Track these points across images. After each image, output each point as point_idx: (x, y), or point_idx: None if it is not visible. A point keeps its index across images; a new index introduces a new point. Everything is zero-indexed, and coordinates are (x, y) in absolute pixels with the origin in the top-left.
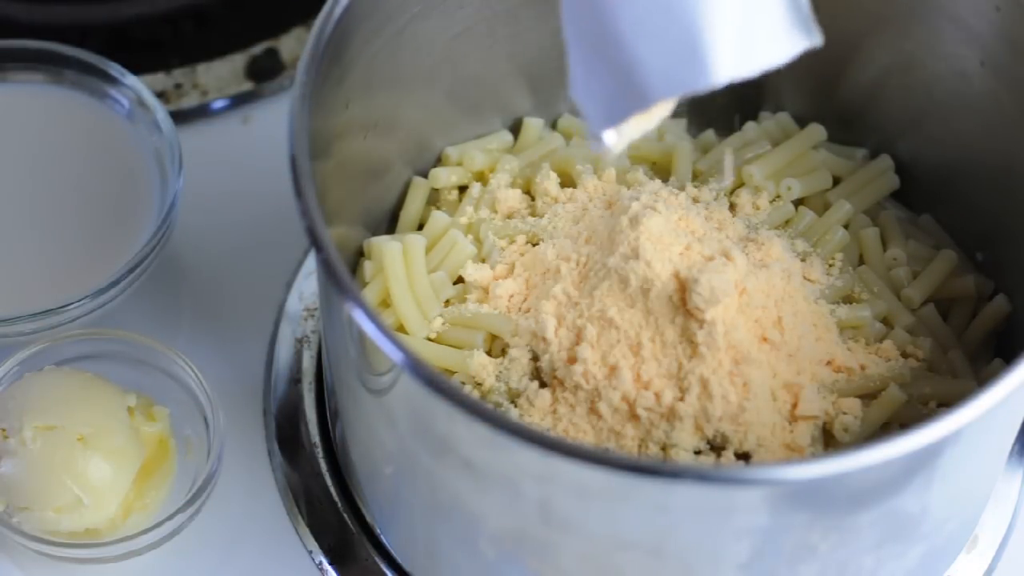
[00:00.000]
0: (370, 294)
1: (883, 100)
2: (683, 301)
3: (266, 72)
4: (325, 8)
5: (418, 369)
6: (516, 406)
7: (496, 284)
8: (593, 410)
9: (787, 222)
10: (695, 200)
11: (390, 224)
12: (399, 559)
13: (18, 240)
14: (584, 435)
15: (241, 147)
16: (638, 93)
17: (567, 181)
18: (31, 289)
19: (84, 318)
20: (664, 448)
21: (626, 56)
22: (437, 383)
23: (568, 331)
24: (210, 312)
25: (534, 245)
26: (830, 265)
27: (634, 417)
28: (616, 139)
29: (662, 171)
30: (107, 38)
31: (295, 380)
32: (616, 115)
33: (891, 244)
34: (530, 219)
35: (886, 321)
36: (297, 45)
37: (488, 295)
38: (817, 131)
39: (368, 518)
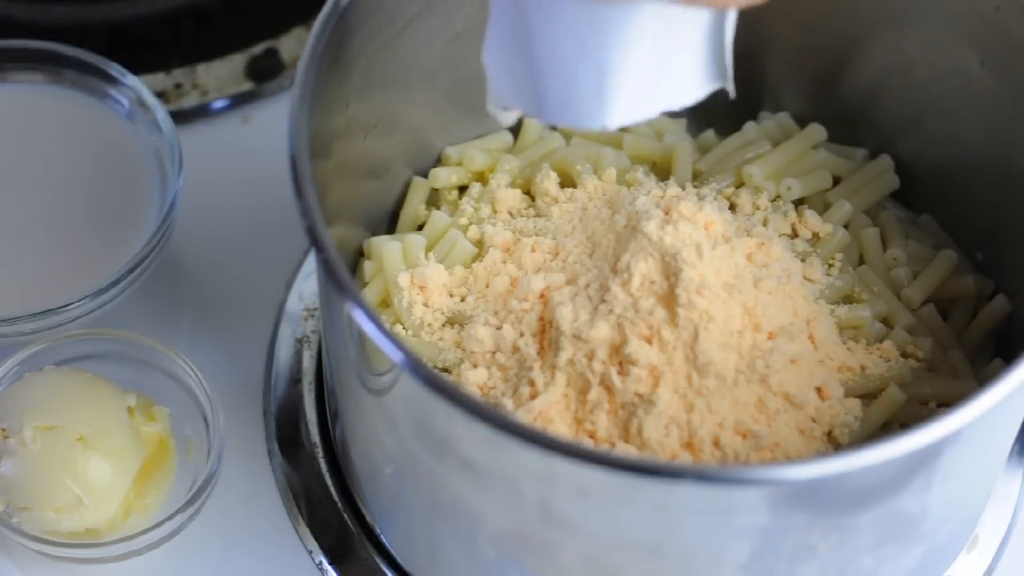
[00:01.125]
0: (370, 294)
1: (883, 100)
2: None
3: (266, 72)
4: (325, 8)
5: (418, 369)
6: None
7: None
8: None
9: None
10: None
11: (390, 224)
12: (399, 559)
13: (18, 240)
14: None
15: (241, 147)
16: (535, 104)
17: (567, 181)
18: (31, 289)
19: (84, 318)
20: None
21: (536, 69)
22: (437, 383)
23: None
24: (210, 312)
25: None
26: (830, 265)
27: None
28: (509, 119)
29: (662, 171)
30: (107, 38)
31: (295, 380)
32: (511, 102)
33: (891, 244)
34: (530, 219)
35: (886, 321)
36: (297, 45)
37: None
38: (817, 131)
39: (368, 518)
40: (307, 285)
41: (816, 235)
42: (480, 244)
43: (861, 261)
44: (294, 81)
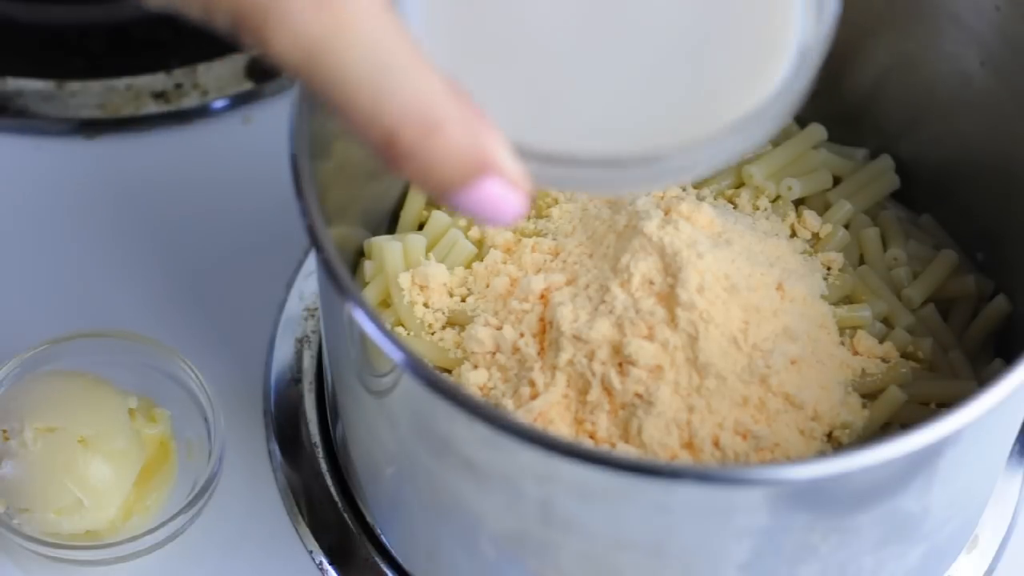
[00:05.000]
0: (370, 294)
1: (883, 100)
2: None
3: (266, 72)
4: None
5: (418, 369)
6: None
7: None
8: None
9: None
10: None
11: (390, 224)
12: (399, 559)
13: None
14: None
15: (241, 147)
16: None
17: None
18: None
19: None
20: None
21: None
22: (437, 383)
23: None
24: (210, 312)
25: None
26: (830, 266)
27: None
28: None
29: None
30: (107, 38)
31: (295, 380)
32: None
33: (891, 244)
34: (530, 219)
35: (886, 321)
36: None
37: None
38: (817, 131)
39: (368, 518)
40: (307, 285)
41: (816, 235)
42: (480, 244)
43: (861, 261)
44: (294, 81)
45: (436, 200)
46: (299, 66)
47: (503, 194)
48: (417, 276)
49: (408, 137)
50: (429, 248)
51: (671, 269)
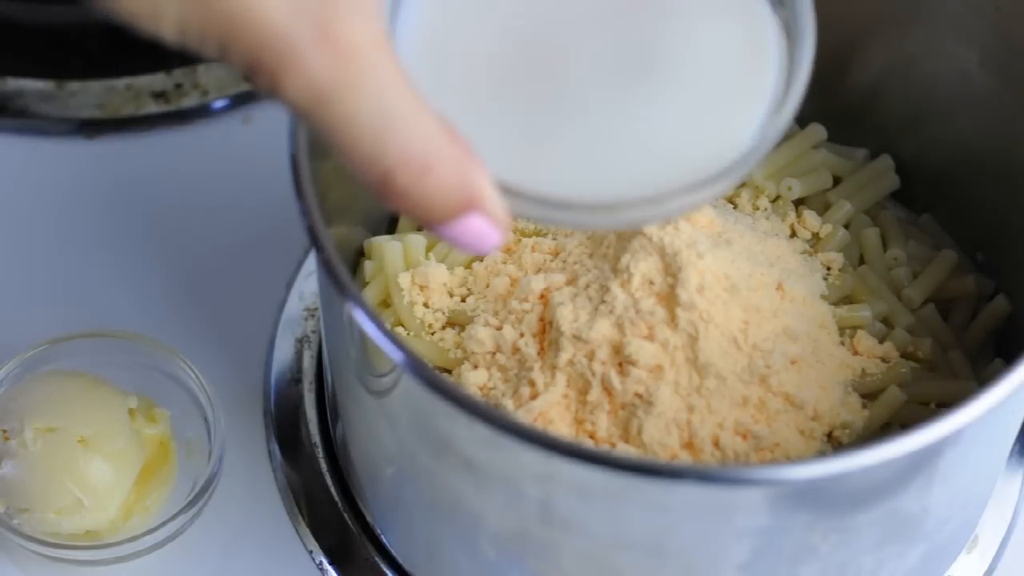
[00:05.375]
0: (370, 294)
1: (883, 100)
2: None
3: None
4: None
5: (418, 369)
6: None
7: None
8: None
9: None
10: None
11: (390, 224)
12: (399, 559)
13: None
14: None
15: (241, 147)
16: None
17: None
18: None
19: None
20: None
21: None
22: (437, 383)
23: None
24: (210, 312)
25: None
26: (829, 266)
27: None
28: None
29: None
30: (107, 38)
31: (295, 380)
32: None
33: (891, 244)
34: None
35: (886, 321)
36: None
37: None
38: (817, 131)
39: (368, 518)
40: (307, 285)
41: (816, 235)
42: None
43: (861, 261)
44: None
45: (423, 227)
46: (308, 110)
47: (484, 229)
48: (417, 276)
49: (403, 178)
50: (429, 248)
51: (671, 269)
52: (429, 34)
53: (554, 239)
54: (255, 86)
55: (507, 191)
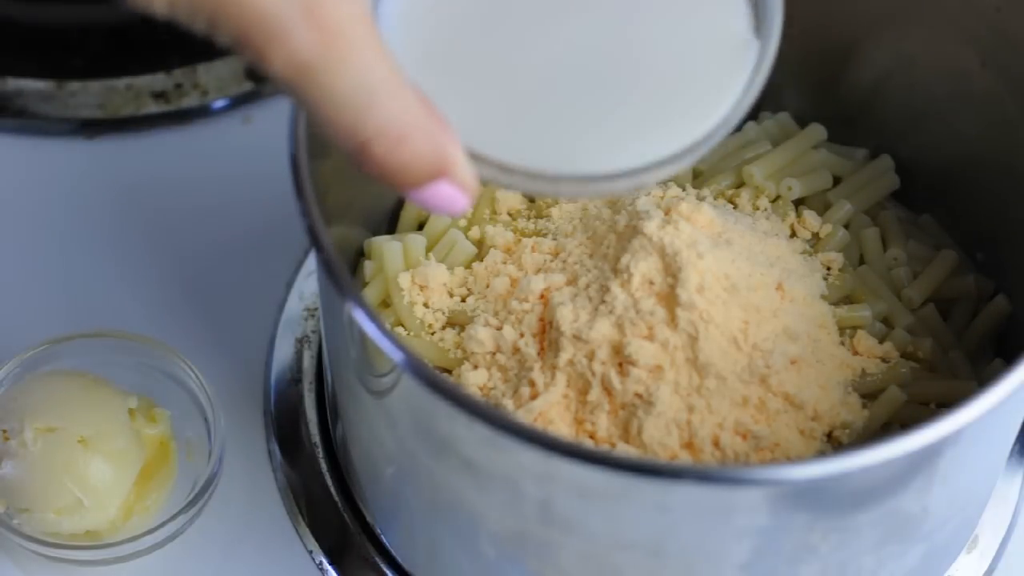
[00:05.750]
0: (370, 294)
1: (883, 100)
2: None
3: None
4: None
5: (418, 369)
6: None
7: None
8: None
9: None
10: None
11: (390, 224)
12: (399, 559)
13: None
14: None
15: (241, 147)
16: None
17: None
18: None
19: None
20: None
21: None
22: (437, 383)
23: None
24: (210, 312)
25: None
26: (829, 266)
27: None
28: None
29: None
30: (107, 38)
31: (295, 380)
32: None
33: (891, 244)
34: (531, 219)
35: (886, 321)
36: None
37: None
38: (817, 131)
39: (368, 518)
40: (307, 285)
41: (816, 235)
42: (480, 244)
43: (861, 261)
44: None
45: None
46: (292, 84)
47: (453, 194)
48: (417, 276)
49: (379, 148)
50: (429, 248)
51: (671, 269)
52: (410, 12)
53: (554, 239)
54: (242, 58)
55: (477, 158)
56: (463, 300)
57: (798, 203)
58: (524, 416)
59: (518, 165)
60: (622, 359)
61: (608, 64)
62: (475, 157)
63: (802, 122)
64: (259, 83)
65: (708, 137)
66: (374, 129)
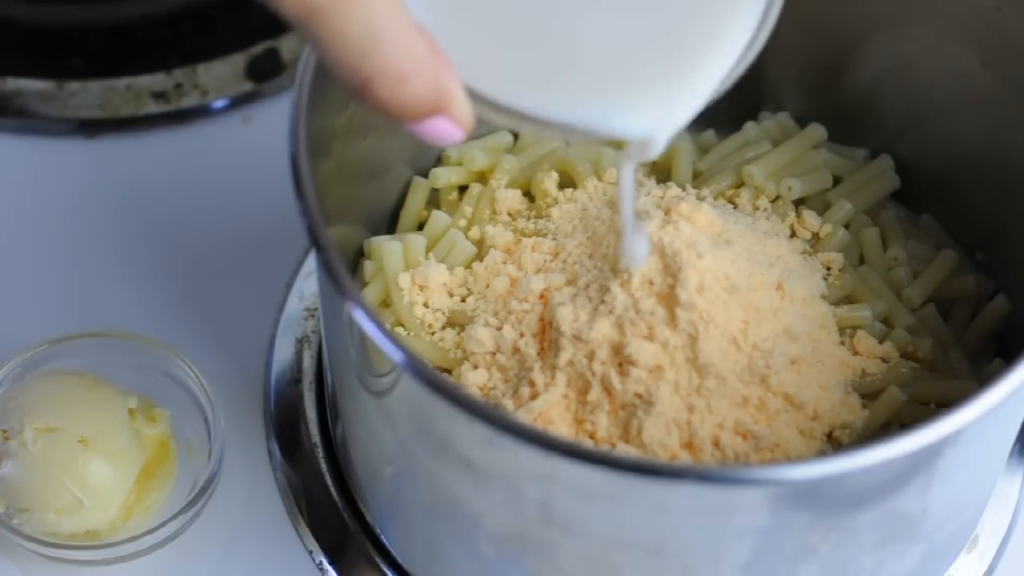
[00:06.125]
0: (370, 294)
1: (883, 100)
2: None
3: (266, 72)
4: None
5: (418, 369)
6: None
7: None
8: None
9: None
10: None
11: (390, 224)
12: (399, 559)
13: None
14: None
15: (241, 147)
16: None
17: (567, 181)
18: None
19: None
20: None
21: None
22: (437, 383)
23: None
24: (210, 313)
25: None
26: (829, 267)
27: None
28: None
29: (662, 171)
30: (107, 38)
31: (295, 380)
32: None
33: (891, 244)
34: (531, 219)
35: (886, 321)
36: (297, 45)
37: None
38: (817, 131)
39: (368, 518)
40: (307, 285)
41: (816, 235)
42: (480, 244)
43: (861, 261)
44: (294, 81)
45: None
46: (301, 23)
47: (448, 128)
48: (417, 276)
49: (381, 87)
50: (429, 248)
51: (671, 269)
52: None
53: (554, 239)
54: None
55: (474, 95)
56: (463, 300)
57: (798, 203)
58: (524, 416)
59: (513, 107)
60: (622, 359)
61: (614, 14)
62: (473, 94)
63: (802, 122)
64: (259, 83)
65: (701, 100)
66: (376, 69)
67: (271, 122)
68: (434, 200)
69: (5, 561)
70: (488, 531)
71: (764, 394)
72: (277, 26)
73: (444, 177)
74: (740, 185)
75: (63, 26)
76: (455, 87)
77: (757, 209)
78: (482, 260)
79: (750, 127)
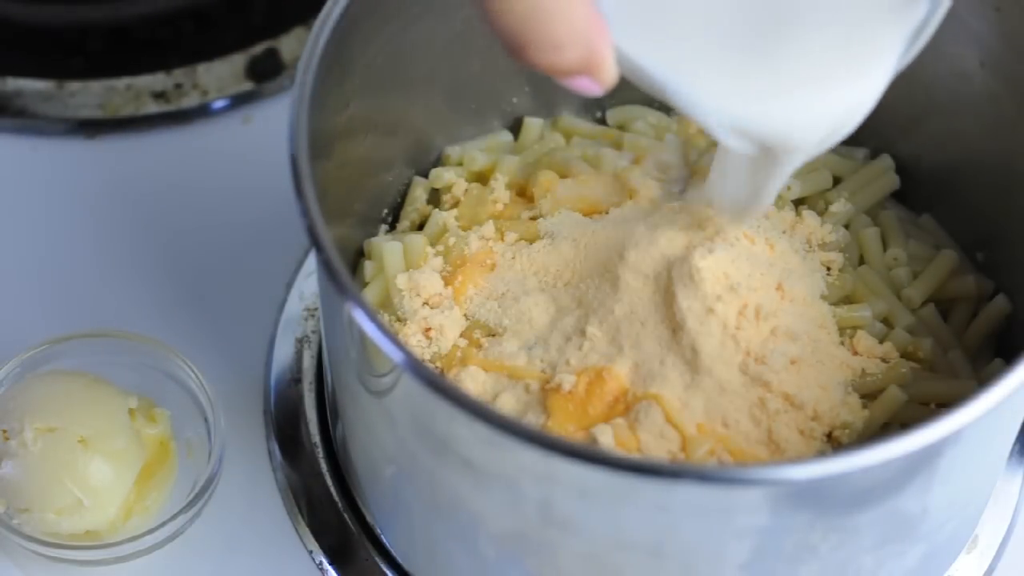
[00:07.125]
0: (370, 294)
1: (883, 100)
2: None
3: (266, 72)
4: (325, 8)
5: (419, 370)
6: None
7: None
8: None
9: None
10: None
11: (390, 224)
12: (399, 559)
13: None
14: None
15: (241, 147)
16: None
17: None
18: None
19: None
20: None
21: None
22: (437, 383)
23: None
24: (210, 313)
25: (531, 243)
26: (829, 267)
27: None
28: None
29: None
30: (107, 38)
31: (295, 380)
32: None
33: (891, 244)
34: (529, 221)
35: (886, 321)
36: (297, 45)
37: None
38: None
39: (368, 518)
40: (307, 285)
41: (816, 235)
42: (480, 245)
43: (861, 261)
44: (294, 81)
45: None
46: None
47: (589, 85)
48: (411, 282)
49: (538, 52)
50: (432, 244)
51: (671, 269)
52: None
53: (552, 241)
54: None
55: (622, 60)
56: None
57: (798, 203)
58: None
59: (659, 78)
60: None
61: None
62: (620, 58)
63: None
64: (259, 83)
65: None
66: (536, 36)
67: (271, 122)
68: (434, 200)
69: (5, 561)
70: (488, 531)
71: (764, 394)
72: (277, 26)
73: (444, 177)
74: None
75: (63, 26)
76: (606, 54)
77: None
78: (480, 260)
79: None
